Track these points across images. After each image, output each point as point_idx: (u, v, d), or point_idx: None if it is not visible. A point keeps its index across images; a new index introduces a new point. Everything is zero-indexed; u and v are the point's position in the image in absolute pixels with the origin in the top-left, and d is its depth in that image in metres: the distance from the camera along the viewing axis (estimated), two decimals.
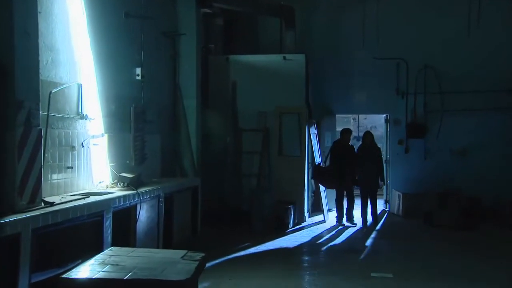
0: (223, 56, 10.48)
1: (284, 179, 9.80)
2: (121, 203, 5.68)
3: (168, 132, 8.86)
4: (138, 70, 7.47)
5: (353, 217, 9.91)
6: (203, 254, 3.75)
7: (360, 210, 9.88)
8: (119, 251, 3.70)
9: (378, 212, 10.36)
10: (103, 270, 3.29)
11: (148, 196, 6.30)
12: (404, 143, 11.42)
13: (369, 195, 9.78)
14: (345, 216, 9.94)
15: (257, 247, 7.88)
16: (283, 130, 10.05)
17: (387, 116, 11.90)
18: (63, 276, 3.29)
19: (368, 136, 9.92)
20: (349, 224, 9.77)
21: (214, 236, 8.65)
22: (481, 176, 10.72)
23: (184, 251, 3.78)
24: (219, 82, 10.31)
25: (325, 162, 10.42)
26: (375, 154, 9.78)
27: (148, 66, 7.74)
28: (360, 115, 15.92)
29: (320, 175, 10.08)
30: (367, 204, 9.82)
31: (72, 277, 3.19)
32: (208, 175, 9.54)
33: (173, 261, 3.47)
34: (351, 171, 9.70)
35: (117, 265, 3.36)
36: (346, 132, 10.12)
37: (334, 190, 9.99)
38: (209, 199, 9.27)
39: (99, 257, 3.55)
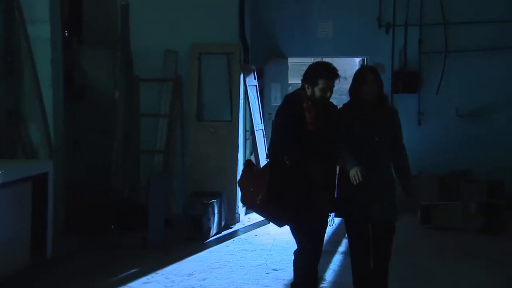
0: None
1: (205, 157, 8.72)
2: None
3: None
4: None
5: None
6: None
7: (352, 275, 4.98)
8: None
9: None
10: None
11: None
12: (388, 101, 10.16)
13: (373, 244, 4.72)
14: None
15: (149, 276, 6.08)
16: (204, 80, 8.92)
17: (364, 60, 10.94)
18: None
19: (369, 79, 4.64)
20: None
21: (80, 256, 6.86)
22: (503, 150, 9.88)
23: None
24: (101, 4, 8.91)
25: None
26: (389, 124, 4.77)
27: None
28: (324, 59, 14.66)
29: (248, 191, 4.76)
30: (367, 268, 4.76)
31: None
32: (84, 154, 8.44)
33: None
34: (328, 178, 4.64)
35: None
36: (323, 68, 4.65)
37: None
38: (84, 191, 8.01)
39: None
